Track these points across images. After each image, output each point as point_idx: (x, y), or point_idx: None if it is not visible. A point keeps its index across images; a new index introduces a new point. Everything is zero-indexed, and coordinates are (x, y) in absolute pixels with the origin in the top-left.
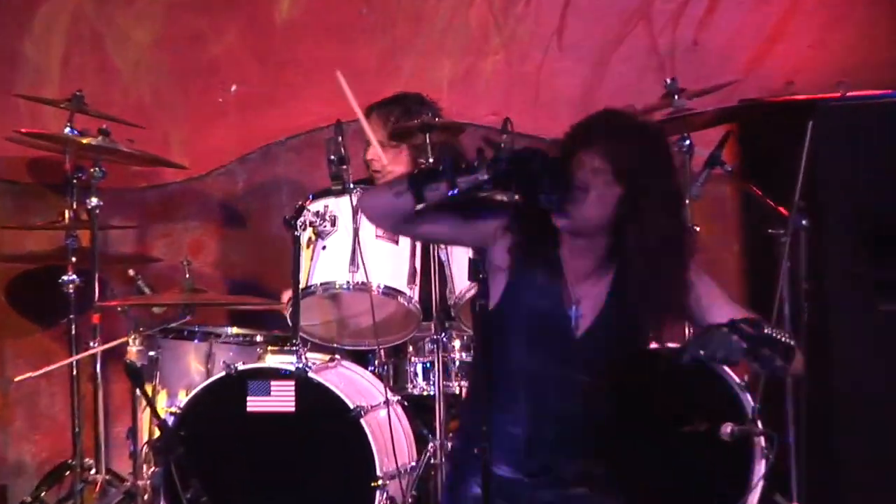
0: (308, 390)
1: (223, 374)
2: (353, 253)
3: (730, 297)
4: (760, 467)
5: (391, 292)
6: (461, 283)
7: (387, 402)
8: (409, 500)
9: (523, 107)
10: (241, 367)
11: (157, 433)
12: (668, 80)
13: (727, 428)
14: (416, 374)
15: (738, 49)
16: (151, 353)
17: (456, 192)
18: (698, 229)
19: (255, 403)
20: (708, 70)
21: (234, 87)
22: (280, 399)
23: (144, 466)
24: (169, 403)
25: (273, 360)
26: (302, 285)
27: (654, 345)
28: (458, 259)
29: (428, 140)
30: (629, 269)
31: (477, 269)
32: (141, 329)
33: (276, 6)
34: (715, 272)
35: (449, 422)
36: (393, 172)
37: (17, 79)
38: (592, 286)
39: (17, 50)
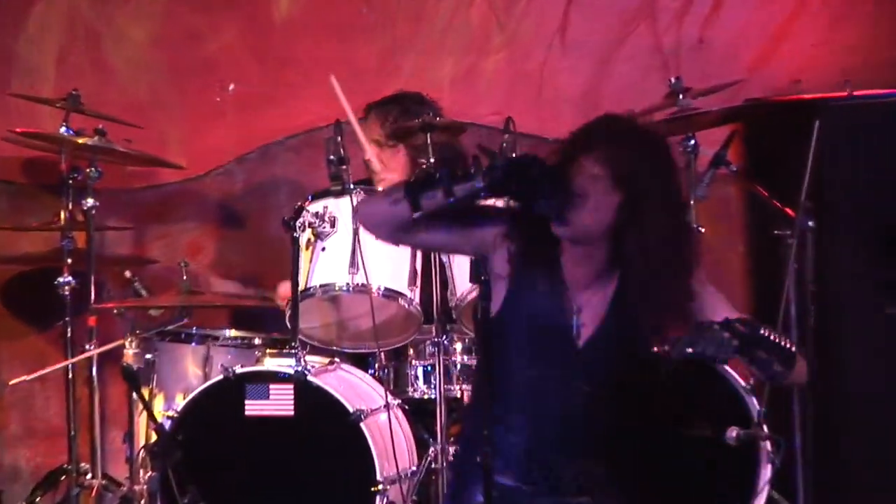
0: (307, 394)
1: (221, 377)
2: (352, 254)
3: (734, 308)
4: (766, 472)
5: (391, 294)
6: (462, 284)
7: (387, 406)
8: None
9: (525, 106)
10: (239, 370)
11: (153, 437)
12: (673, 79)
13: (732, 432)
14: (416, 378)
15: (744, 48)
16: (148, 356)
17: (453, 200)
18: (703, 230)
19: (253, 407)
20: (713, 69)
21: (232, 87)
22: (279, 403)
23: (141, 471)
24: (166, 407)
25: (272, 364)
26: (301, 287)
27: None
28: (460, 260)
29: (429, 140)
30: (630, 277)
31: (479, 271)
32: (137, 332)
33: (274, 4)
34: (720, 273)
35: (450, 426)
36: (389, 179)
37: (12, 78)
38: (594, 295)
39: (11, 48)
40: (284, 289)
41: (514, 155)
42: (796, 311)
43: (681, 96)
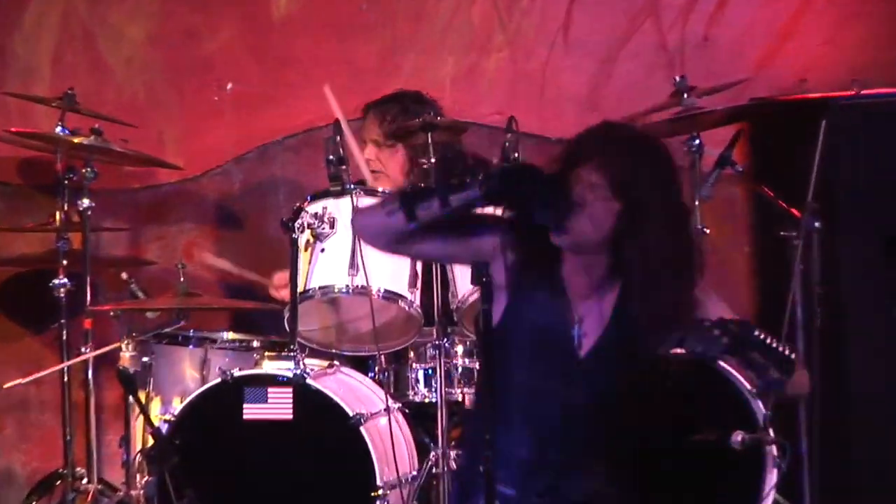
0: (306, 397)
1: (219, 380)
2: (352, 256)
3: (737, 315)
4: (772, 477)
5: (392, 296)
6: (464, 286)
7: (387, 410)
8: None
9: (528, 105)
10: (237, 373)
11: (150, 441)
12: (678, 78)
13: (738, 436)
14: (417, 381)
15: (749, 46)
16: (145, 359)
17: (449, 210)
18: (708, 231)
19: (251, 411)
20: (718, 67)
21: (230, 86)
22: (277, 406)
23: (137, 476)
24: (163, 411)
25: (270, 367)
26: (300, 289)
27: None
28: None
29: (430, 140)
30: (630, 286)
31: (480, 273)
32: (134, 334)
33: (273, 3)
34: (725, 274)
35: (451, 430)
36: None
37: (7, 76)
38: (595, 304)
39: (6, 47)
40: (279, 278)
41: (514, 157)
42: (802, 313)
43: (685, 95)
